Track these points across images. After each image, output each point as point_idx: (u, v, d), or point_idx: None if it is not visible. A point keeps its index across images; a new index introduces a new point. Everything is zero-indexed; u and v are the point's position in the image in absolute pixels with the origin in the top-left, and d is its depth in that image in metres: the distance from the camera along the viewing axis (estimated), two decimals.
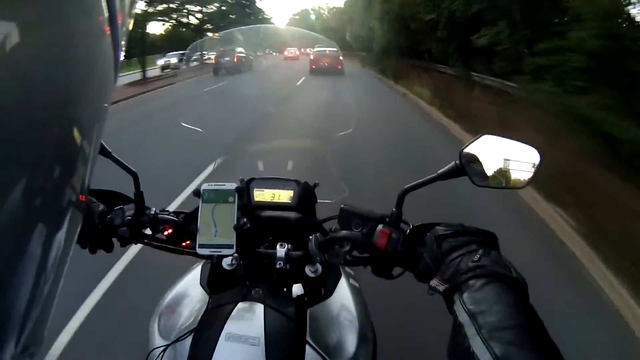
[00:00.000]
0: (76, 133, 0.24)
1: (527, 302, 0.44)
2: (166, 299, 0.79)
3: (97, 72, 0.26)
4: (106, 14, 0.25)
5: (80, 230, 0.66)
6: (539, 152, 0.59)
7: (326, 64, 9.56)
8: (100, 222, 0.71)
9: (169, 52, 21.88)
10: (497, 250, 0.52)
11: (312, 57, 9.91)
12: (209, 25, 23.83)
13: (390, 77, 13.65)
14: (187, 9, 22.68)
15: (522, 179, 0.60)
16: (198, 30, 23.28)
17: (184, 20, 23.57)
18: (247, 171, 0.85)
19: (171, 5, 21.36)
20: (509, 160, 0.60)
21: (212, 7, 24.20)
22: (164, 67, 19.71)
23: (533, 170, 0.60)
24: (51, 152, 0.22)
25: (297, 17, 53.92)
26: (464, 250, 0.51)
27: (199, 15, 23.85)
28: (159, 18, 21.55)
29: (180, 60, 19.66)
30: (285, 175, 0.82)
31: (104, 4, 0.24)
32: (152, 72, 18.18)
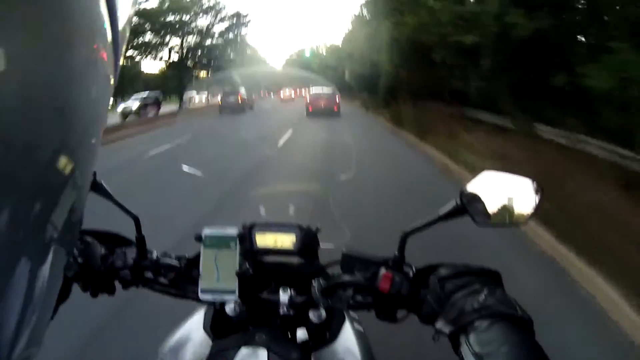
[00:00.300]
0: (74, 138, 0.24)
1: (533, 340, 0.44)
2: (168, 343, 0.78)
3: (96, 74, 0.26)
4: (106, 14, 0.25)
5: (81, 271, 0.66)
6: (539, 186, 0.60)
7: (322, 106, 9.78)
8: (102, 264, 0.71)
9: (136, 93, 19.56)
10: (502, 289, 0.52)
11: (308, 99, 10.15)
12: (190, 63, 22.68)
13: (410, 130, 8.75)
14: (167, 44, 21.38)
15: (524, 214, 0.60)
16: (180, 68, 21.96)
17: (164, 56, 22.18)
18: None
19: (149, 40, 19.91)
20: (510, 196, 0.60)
21: (198, 43, 22.95)
22: (124, 114, 17.11)
23: (535, 204, 0.60)
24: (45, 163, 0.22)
25: (294, 57, 55.51)
26: (468, 290, 0.51)
27: (182, 52, 22.80)
28: (136, 53, 20.34)
29: (145, 105, 17.79)
30: (287, 220, 0.83)
31: (104, 4, 0.24)
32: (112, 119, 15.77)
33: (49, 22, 0.20)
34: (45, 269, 0.23)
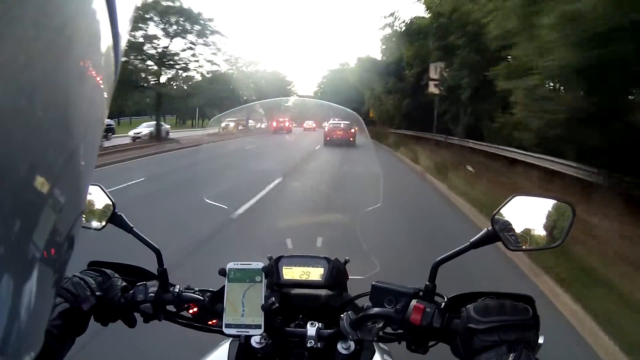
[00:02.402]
0: (73, 140, 0.24)
1: None
2: None
3: (96, 73, 0.25)
4: (106, 15, 0.24)
5: (99, 304, 0.66)
6: (571, 207, 0.59)
7: (339, 136, 10.08)
8: (122, 296, 0.70)
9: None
10: (530, 348, 0.51)
11: (326, 129, 10.42)
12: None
13: None
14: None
15: (555, 237, 0.59)
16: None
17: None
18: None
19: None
20: (541, 218, 0.59)
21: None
22: (134, 138, 18.67)
23: (566, 226, 0.59)
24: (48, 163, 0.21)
25: (322, 84, 55.10)
26: (495, 354, 0.51)
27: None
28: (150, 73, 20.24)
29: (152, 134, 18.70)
30: (315, 252, 0.83)
31: (104, 5, 0.24)
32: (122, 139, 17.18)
33: (48, 22, 0.20)
34: (31, 286, 0.22)
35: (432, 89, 14.99)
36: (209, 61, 20.90)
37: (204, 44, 19.92)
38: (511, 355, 0.49)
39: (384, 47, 24.37)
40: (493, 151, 11.29)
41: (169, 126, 24.58)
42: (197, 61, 20.30)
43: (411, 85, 19.30)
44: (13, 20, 0.18)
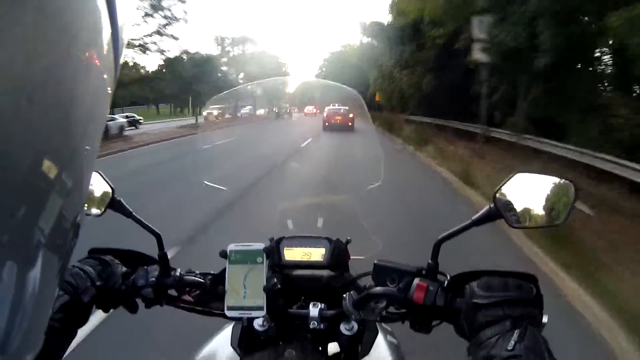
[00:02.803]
0: (77, 132, 0.24)
1: None
2: None
3: (96, 74, 0.26)
4: (106, 14, 0.25)
5: (101, 292, 0.66)
6: (574, 185, 0.58)
7: (338, 121, 10.19)
8: (123, 282, 0.70)
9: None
10: (535, 325, 0.51)
11: (325, 114, 10.46)
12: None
13: None
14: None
15: (559, 215, 0.59)
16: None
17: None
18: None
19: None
20: (543, 197, 0.59)
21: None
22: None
23: (569, 204, 0.58)
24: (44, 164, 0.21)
25: (323, 68, 53.47)
26: (498, 330, 0.50)
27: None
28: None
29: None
30: (316, 233, 0.82)
31: (104, 4, 0.24)
32: None
33: (48, 22, 0.20)
34: (35, 274, 0.23)
35: (478, 54, 9.70)
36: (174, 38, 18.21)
37: (164, 18, 17.30)
38: (516, 331, 0.48)
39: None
40: (598, 165, 6.23)
41: (140, 118, 23.24)
42: (153, 43, 17.47)
43: (435, 54, 13.81)
44: (14, 18, 0.18)
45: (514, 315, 0.51)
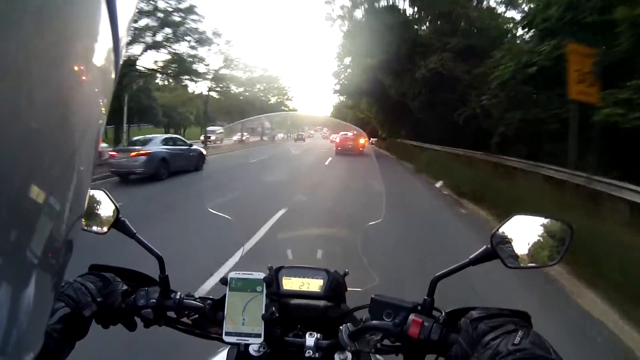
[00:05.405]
0: (71, 144, 0.24)
1: None
2: None
3: (96, 74, 0.25)
4: (106, 14, 0.25)
5: (100, 309, 0.66)
6: (570, 227, 0.59)
7: (349, 147, 10.58)
8: (122, 301, 0.71)
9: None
10: (535, 331, 0.52)
11: (337, 140, 10.91)
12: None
13: None
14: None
15: (553, 256, 0.60)
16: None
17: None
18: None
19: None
20: (539, 237, 0.60)
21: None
22: None
23: (565, 245, 0.59)
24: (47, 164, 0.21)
25: (339, 101, 53.31)
26: (502, 331, 0.50)
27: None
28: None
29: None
30: (315, 264, 0.83)
31: (104, 4, 0.24)
32: None
33: (49, 22, 0.20)
34: (30, 288, 0.22)
35: None
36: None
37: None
38: (519, 331, 0.49)
39: None
40: None
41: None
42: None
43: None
44: (13, 22, 0.18)
45: (514, 321, 0.52)
